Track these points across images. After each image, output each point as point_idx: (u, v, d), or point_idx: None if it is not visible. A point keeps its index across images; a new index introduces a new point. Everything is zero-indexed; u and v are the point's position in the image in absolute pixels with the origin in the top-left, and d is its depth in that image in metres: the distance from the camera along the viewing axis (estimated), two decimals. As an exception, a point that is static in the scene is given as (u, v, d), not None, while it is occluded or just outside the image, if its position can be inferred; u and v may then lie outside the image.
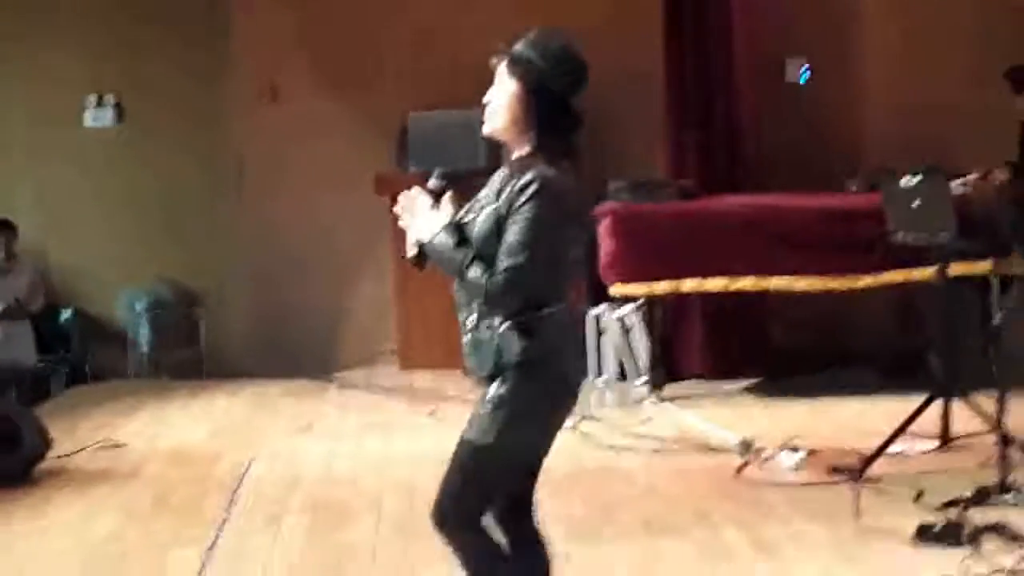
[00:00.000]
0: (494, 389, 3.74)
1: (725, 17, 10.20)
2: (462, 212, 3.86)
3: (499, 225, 3.70)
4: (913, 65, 10.52)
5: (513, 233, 3.66)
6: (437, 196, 3.87)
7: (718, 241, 9.05)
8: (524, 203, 3.66)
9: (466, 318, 3.83)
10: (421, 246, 3.85)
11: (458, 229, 3.79)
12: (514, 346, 3.70)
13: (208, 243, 11.26)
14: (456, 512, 3.83)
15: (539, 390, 3.76)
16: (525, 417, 3.76)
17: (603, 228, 9.19)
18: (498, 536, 3.95)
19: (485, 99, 3.85)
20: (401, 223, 3.89)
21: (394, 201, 3.91)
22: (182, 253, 11.36)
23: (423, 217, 3.84)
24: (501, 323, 3.72)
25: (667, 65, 10.28)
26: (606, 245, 9.18)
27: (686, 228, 9.18)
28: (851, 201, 9.32)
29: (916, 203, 7.02)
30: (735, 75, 10.20)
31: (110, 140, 11.38)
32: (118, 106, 11.40)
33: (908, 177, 7.08)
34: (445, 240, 3.76)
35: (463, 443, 3.82)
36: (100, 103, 11.40)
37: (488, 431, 3.74)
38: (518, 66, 3.77)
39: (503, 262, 3.65)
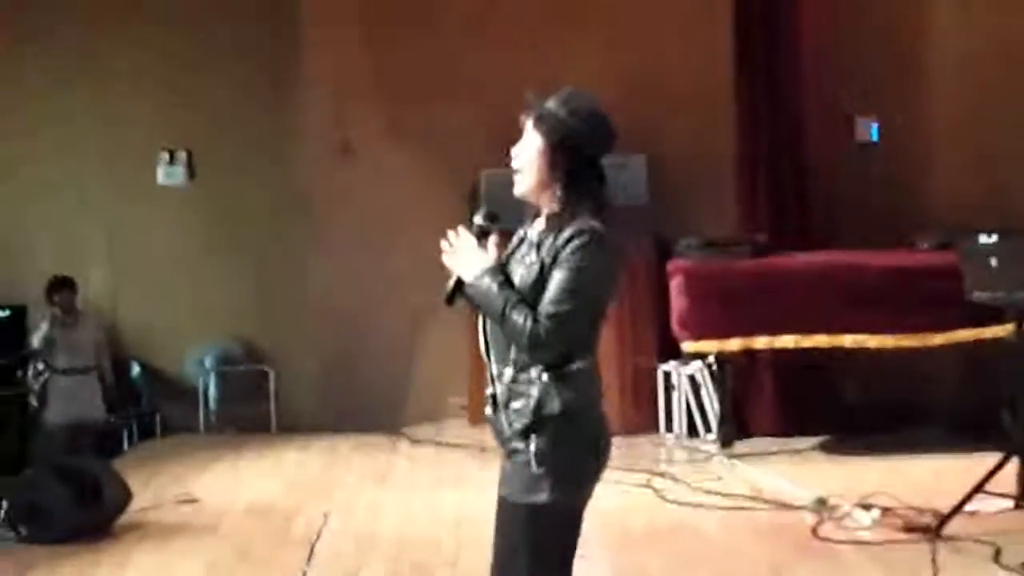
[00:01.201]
0: (534, 444, 3.66)
1: (795, 76, 10.27)
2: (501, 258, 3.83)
3: (542, 276, 3.66)
4: (984, 123, 10.53)
5: (559, 281, 3.63)
6: (482, 237, 3.84)
7: (790, 298, 9.08)
8: (572, 253, 3.63)
9: (501, 370, 3.76)
10: (460, 285, 3.81)
11: (502, 271, 3.76)
12: (555, 398, 3.66)
13: (277, 300, 11.35)
14: None
15: (581, 441, 3.71)
16: (572, 470, 3.70)
17: (674, 286, 9.25)
18: None
19: (512, 153, 3.84)
20: (445, 260, 3.84)
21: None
22: (251, 309, 11.45)
23: (468, 256, 3.80)
24: (540, 374, 3.67)
25: (738, 123, 10.34)
26: (677, 303, 9.22)
27: (757, 285, 9.22)
28: (923, 258, 9.32)
29: (994, 262, 7.02)
30: (806, 133, 10.26)
31: (182, 197, 11.50)
32: (190, 164, 11.53)
33: (986, 236, 7.09)
34: (489, 281, 3.72)
35: (516, 508, 3.71)
36: (172, 160, 11.53)
37: (539, 489, 3.66)
38: (545, 123, 3.76)
39: (548, 308, 3.61)
